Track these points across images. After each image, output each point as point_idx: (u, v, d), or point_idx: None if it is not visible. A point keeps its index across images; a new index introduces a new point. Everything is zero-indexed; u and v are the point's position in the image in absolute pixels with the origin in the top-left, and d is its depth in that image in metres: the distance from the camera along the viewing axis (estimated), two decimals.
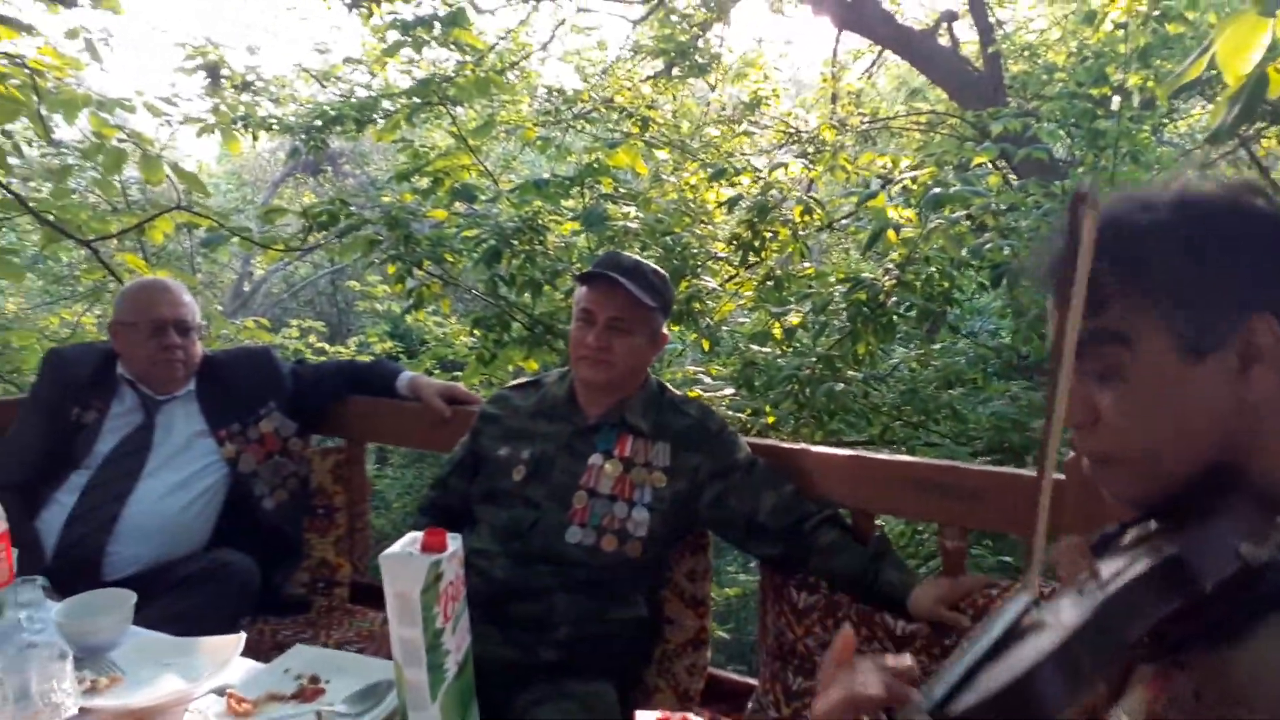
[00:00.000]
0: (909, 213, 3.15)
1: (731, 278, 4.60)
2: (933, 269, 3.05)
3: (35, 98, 3.64)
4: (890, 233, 3.06)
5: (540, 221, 3.97)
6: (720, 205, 4.25)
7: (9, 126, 3.76)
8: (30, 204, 4.26)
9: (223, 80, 7.23)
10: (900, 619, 1.76)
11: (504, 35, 8.10)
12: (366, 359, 5.90)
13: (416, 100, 5.74)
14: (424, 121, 7.12)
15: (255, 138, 7.26)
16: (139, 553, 2.27)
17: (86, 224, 4.41)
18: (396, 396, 2.59)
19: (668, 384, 2.09)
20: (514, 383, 2.17)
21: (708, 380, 3.71)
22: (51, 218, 4.28)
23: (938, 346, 4.05)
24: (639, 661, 2.00)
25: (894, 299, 3.06)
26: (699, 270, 3.86)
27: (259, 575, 2.31)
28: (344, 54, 7.32)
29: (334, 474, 2.66)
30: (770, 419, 3.36)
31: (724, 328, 4.73)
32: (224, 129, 5.54)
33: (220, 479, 2.44)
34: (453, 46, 5.82)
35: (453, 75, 5.90)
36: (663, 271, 2.04)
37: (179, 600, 2.13)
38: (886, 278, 3.08)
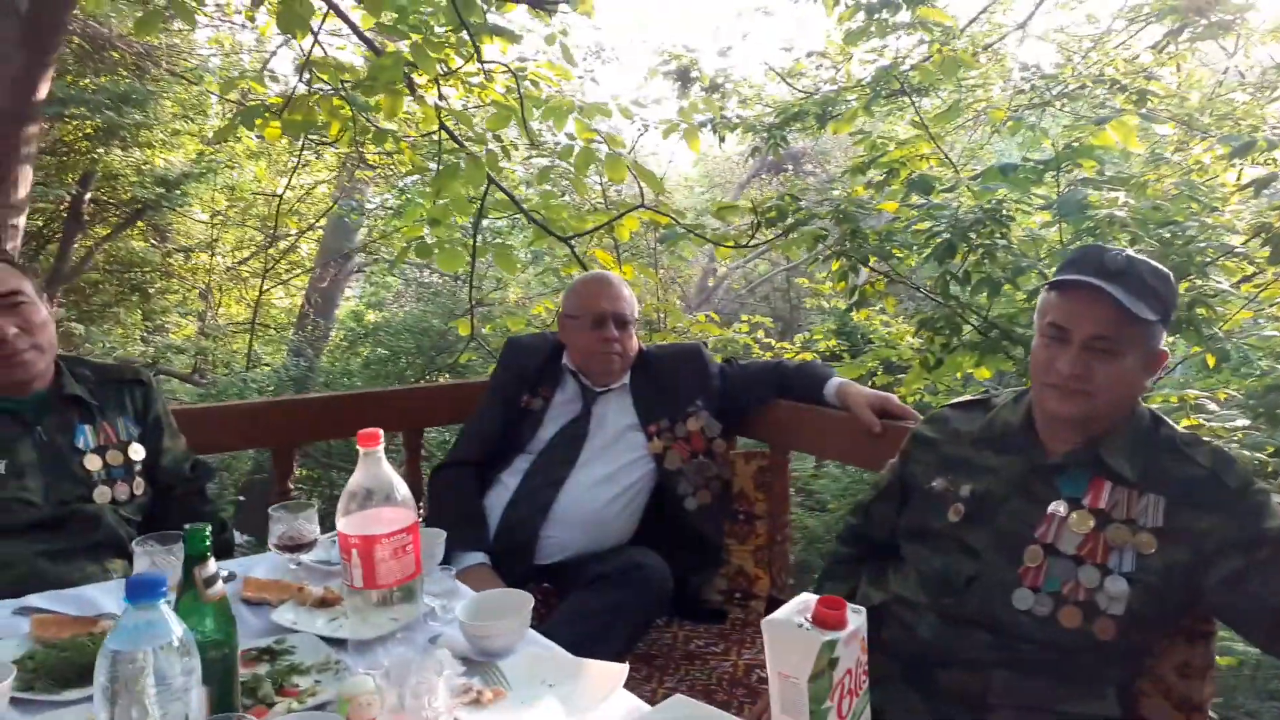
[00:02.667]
0: None
1: (1249, 278, 3.70)
2: None
3: (523, 105, 3.99)
4: None
5: (1004, 212, 3.49)
6: (1243, 187, 3.41)
7: (503, 132, 4.17)
8: (524, 204, 4.75)
9: (693, 82, 7.57)
10: None
11: (977, 16, 7.50)
12: (806, 357, 5.77)
13: (877, 90, 5.48)
14: (886, 113, 6.82)
15: (721, 139, 7.49)
16: (568, 540, 2.32)
17: (567, 222, 4.80)
18: (824, 403, 2.37)
19: (1163, 415, 1.61)
20: (956, 401, 1.82)
21: (1212, 407, 2.97)
22: (540, 217, 4.72)
23: None
24: None
25: None
26: (1206, 268, 3.12)
27: (672, 581, 2.24)
28: (809, 50, 7.24)
29: (756, 480, 2.52)
30: None
31: (1233, 339, 3.83)
32: (688, 129, 5.75)
33: (647, 474, 2.43)
34: (919, 28, 5.45)
35: (917, 62, 5.55)
36: (1164, 270, 1.55)
37: (596, 596, 2.12)
38: None
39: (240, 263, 11.30)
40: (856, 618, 0.93)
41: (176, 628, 0.91)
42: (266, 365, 10.31)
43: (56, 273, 8.51)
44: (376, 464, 1.33)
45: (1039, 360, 1.56)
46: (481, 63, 3.59)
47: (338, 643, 1.43)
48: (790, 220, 4.10)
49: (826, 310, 8.75)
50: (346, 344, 10.99)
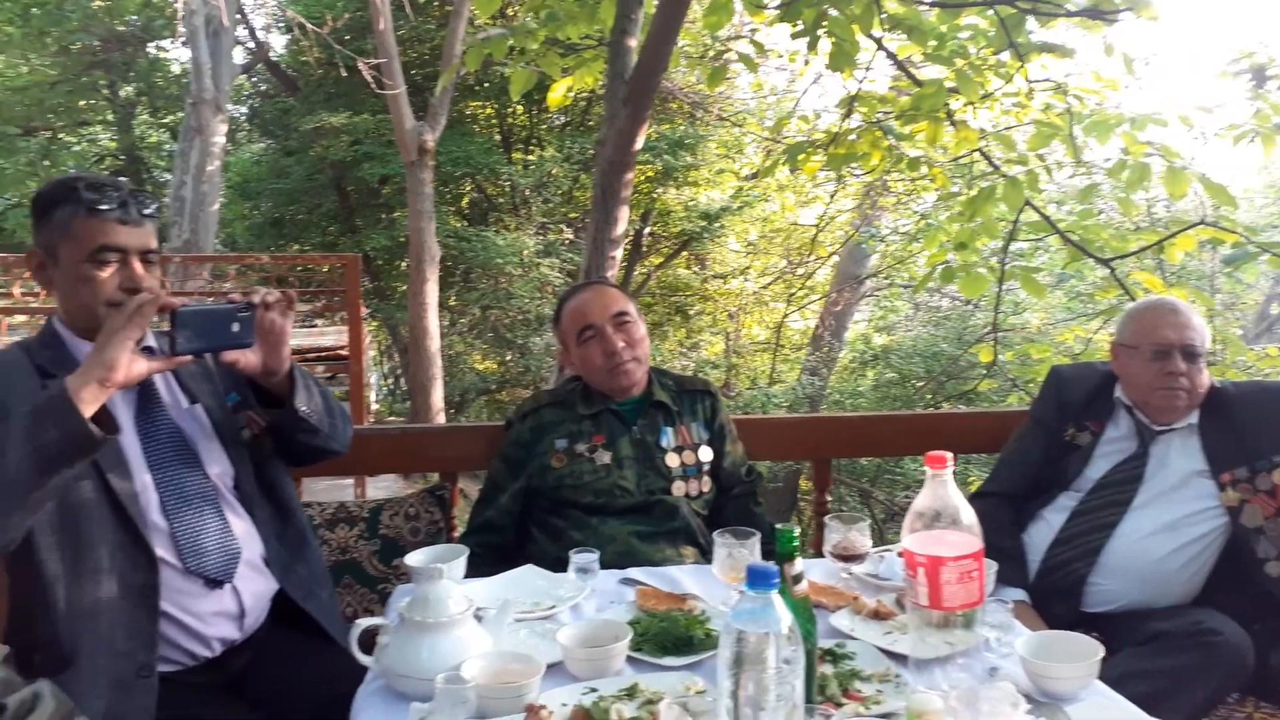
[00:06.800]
0: None
1: None
2: None
3: (1071, 121, 3.79)
4: None
5: None
6: None
7: (1043, 150, 3.99)
8: (1058, 225, 4.49)
9: (1268, 81, 6.51)
10: None
11: None
12: None
13: None
14: None
15: None
16: (1120, 590, 2.15)
17: (1107, 243, 4.45)
18: None
19: None
20: None
21: None
22: (1075, 237, 4.43)
23: None
24: None
25: None
26: None
27: (1253, 652, 1.95)
28: None
29: None
30: None
31: None
32: (1264, 134, 4.96)
33: (1217, 529, 2.16)
34: None
35: None
36: None
37: (1154, 657, 1.93)
38: None
39: (764, 287, 12.17)
40: None
41: (786, 617, 1.03)
42: (780, 383, 10.98)
43: None
44: (943, 486, 1.36)
45: None
46: (1028, 81, 3.47)
47: (894, 655, 1.49)
48: None
49: None
50: (856, 365, 11.27)
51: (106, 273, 1.67)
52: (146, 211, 1.72)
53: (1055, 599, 2.18)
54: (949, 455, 1.37)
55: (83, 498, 1.62)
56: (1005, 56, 3.76)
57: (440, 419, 9.21)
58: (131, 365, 1.50)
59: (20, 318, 8.24)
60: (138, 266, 1.70)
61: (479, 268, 10.66)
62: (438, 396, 9.23)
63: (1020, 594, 2.18)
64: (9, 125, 14.51)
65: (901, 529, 1.41)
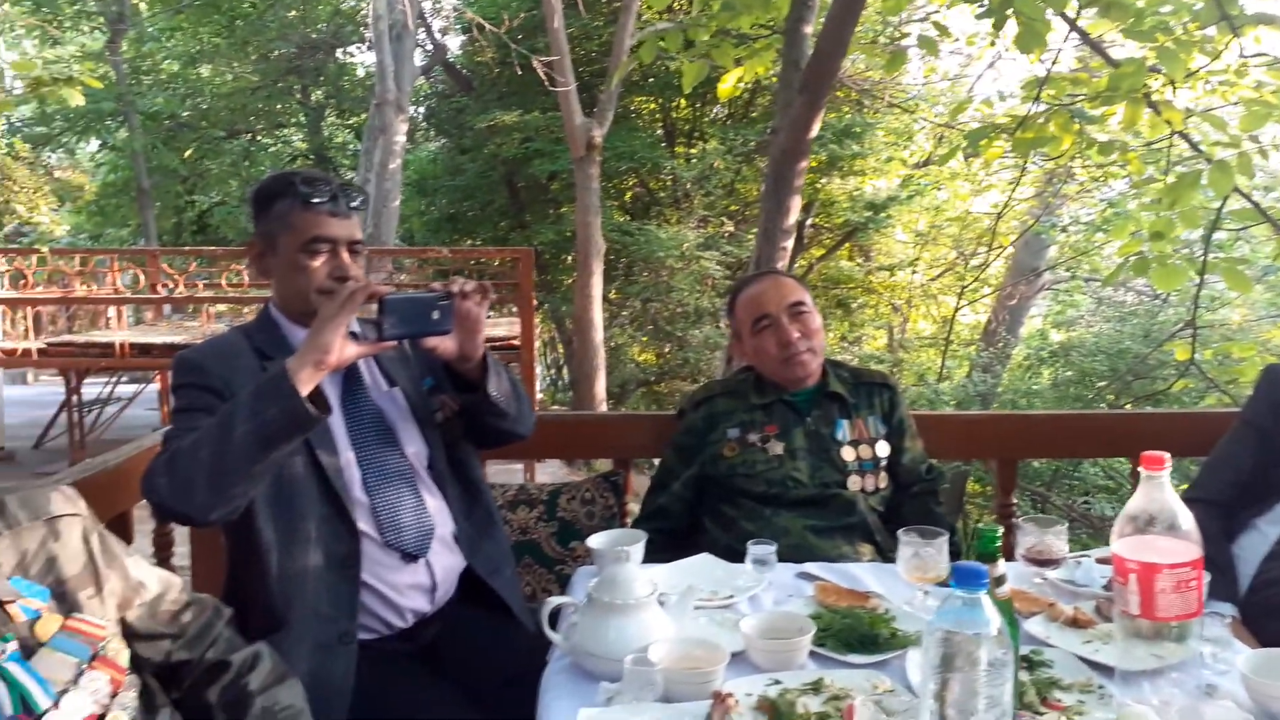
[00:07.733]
0: None
1: None
2: None
3: None
4: None
5: None
6: None
7: (1257, 132, 3.66)
8: (1269, 213, 4.13)
9: None
10: None
11: None
12: None
13: None
14: None
15: None
16: None
17: None
18: None
19: None
20: None
21: None
22: None
23: None
24: None
25: None
26: None
27: None
28: None
29: None
30: None
31: None
32: None
33: None
34: None
35: None
36: None
37: None
38: None
39: (933, 279, 11.76)
40: None
41: (996, 618, 0.99)
42: (948, 379, 10.58)
43: None
44: (1159, 489, 1.27)
45: None
46: (1241, 56, 3.19)
47: (1095, 665, 1.40)
48: None
49: None
50: (1031, 363, 10.74)
51: (318, 262, 1.79)
52: (354, 205, 1.83)
53: (1270, 617, 1.99)
54: (1166, 456, 1.28)
55: (295, 472, 1.74)
56: (1211, 31, 3.48)
57: (602, 409, 9.39)
58: (343, 349, 1.60)
59: (223, 306, 8.95)
60: (345, 256, 1.80)
61: (641, 261, 10.78)
62: (600, 387, 9.40)
63: (1230, 609, 2.02)
64: (216, 129, 15.78)
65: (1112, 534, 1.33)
